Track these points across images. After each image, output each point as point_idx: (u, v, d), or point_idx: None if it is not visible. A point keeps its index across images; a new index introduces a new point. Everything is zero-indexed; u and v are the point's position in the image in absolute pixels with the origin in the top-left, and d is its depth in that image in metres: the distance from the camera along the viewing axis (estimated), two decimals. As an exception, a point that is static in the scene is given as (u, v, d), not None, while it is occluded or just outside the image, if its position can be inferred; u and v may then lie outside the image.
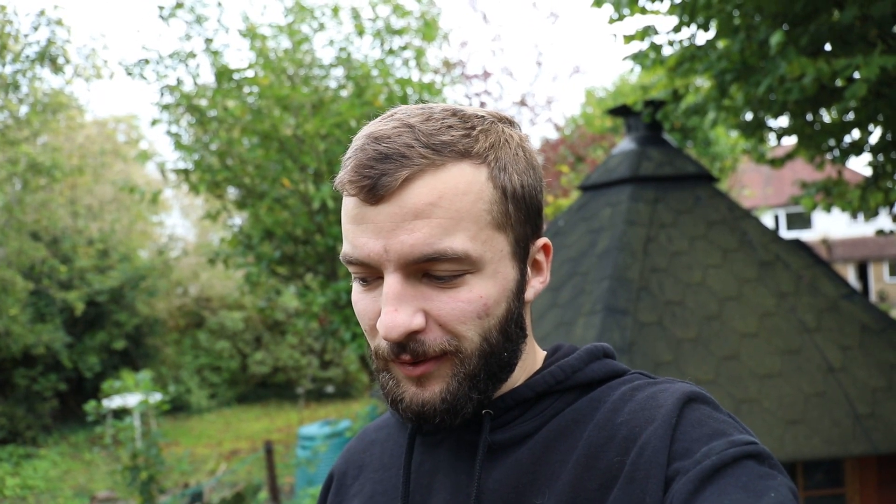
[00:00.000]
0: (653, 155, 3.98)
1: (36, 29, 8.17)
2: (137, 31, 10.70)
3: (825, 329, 3.19)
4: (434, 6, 6.34)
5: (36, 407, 11.92)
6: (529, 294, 0.62)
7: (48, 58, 8.14)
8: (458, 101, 8.25)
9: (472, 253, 0.55)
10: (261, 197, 5.71)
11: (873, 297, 20.56)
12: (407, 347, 0.55)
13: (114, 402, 7.66)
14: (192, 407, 13.27)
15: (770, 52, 2.76)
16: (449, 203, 0.54)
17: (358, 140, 0.56)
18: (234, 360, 14.30)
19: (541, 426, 0.60)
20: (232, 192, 6.23)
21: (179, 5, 5.57)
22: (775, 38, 2.54)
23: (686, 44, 3.46)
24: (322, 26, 5.89)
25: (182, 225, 17.12)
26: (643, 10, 3.29)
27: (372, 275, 0.57)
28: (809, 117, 3.57)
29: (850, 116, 3.39)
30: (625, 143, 4.20)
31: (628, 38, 3.45)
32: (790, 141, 3.84)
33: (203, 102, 5.71)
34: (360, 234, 0.55)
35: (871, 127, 3.42)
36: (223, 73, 5.49)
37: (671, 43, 3.49)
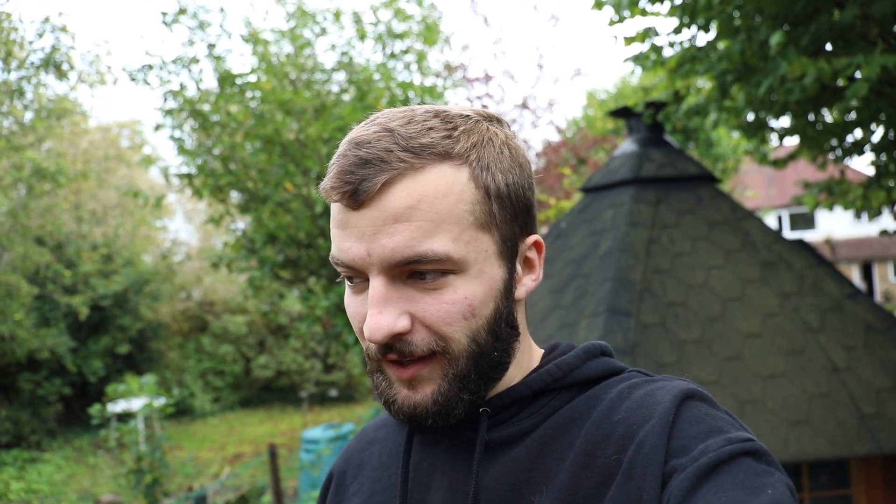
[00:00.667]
0: (654, 156, 3.98)
1: (41, 36, 8.22)
2: (141, 37, 10.74)
3: (829, 329, 3.18)
4: (435, 10, 6.36)
5: (40, 411, 11.95)
6: (521, 292, 0.62)
7: (53, 64, 8.18)
8: (459, 104, 8.27)
9: (454, 254, 0.55)
10: (264, 201, 5.73)
11: (878, 297, 20.49)
12: (393, 348, 0.56)
13: (118, 406, 7.68)
14: (196, 411, 13.29)
15: (771, 53, 2.76)
16: (429, 205, 0.54)
17: (341, 146, 0.57)
18: (238, 364, 14.32)
19: (538, 424, 0.60)
20: (235, 197, 6.25)
21: (182, 11, 5.60)
22: (775, 39, 2.54)
23: (687, 45, 3.46)
24: (324, 31, 5.91)
25: (185, 229, 17.18)
26: (643, 12, 3.30)
27: (359, 276, 0.58)
28: (811, 117, 3.57)
29: (852, 116, 3.39)
30: (626, 145, 4.20)
31: (629, 40, 3.46)
32: (792, 141, 3.83)
33: (206, 107, 5.73)
34: (344, 238, 0.56)
35: (872, 126, 3.42)
36: (226, 78, 5.51)
37: (672, 44, 3.49)
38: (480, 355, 0.57)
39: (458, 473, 0.61)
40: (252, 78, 5.57)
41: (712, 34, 3.31)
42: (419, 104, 5.55)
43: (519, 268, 0.62)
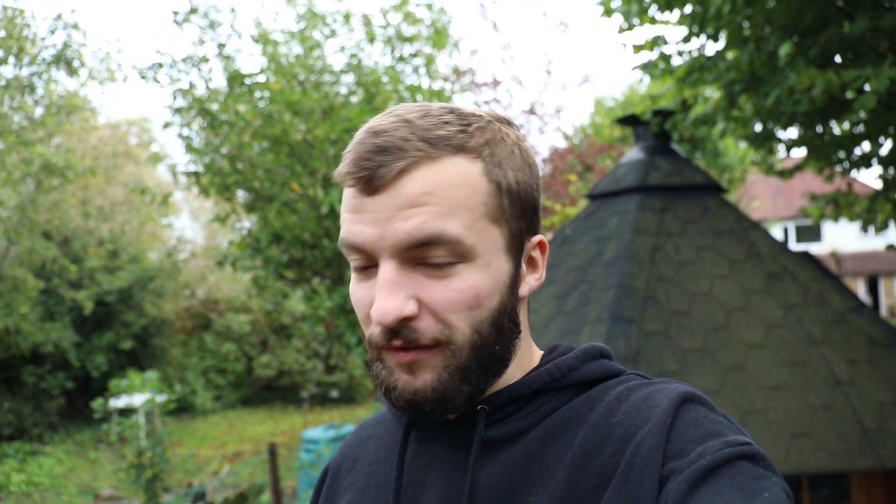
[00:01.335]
0: (661, 164, 3.98)
1: (52, 32, 8.29)
2: (151, 35, 10.81)
3: (833, 342, 3.17)
4: (445, 14, 6.38)
5: (43, 404, 11.99)
6: (524, 290, 0.62)
7: (64, 61, 8.25)
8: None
9: (466, 240, 0.56)
10: (270, 201, 5.75)
11: (884, 311, 20.37)
12: (399, 333, 0.56)
13: (120, 401, 7.70)
14: (197, 408, 13.31)
15: (779, 63, 2.76)
16: (444, 193, 0.55)
17: (358, 135, 0.58)
18: (240, 363, 14.35)
19: (535, 424, 0.61)
20: (241, 196, 6.28)
21: (193, 11, 5.63)
22: (784, 50, 2.54)
23: (695, 54, 3.47)
24: (333, 33, 5.93)
25: (191, 227, 17.24)
26: (653, 21, 3.30)
27: (368, 262, 0.58)
28: (819, 129, 3.56)
29: (860, 128, 3.38)
30: (633, 153, 4.20)
31: (638, 48, 3.47)
32: (800, 153, 3.83)
33: (215, 106, 5.76)
34: (357, 222, 0.57)
35: (881, 139, 3.41)
36: (235, 78, 5.54)
37: (681, 53, 3.50)
38: (482, 347, 0.58)
39: (453, 471, 0.61)
40: (261, 78, 5.60)
41: (721, 44, 3.32)
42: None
43: (524, 265, 0.63)
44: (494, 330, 0.58)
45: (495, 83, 8.74)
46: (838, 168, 3.82)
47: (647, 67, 3.56)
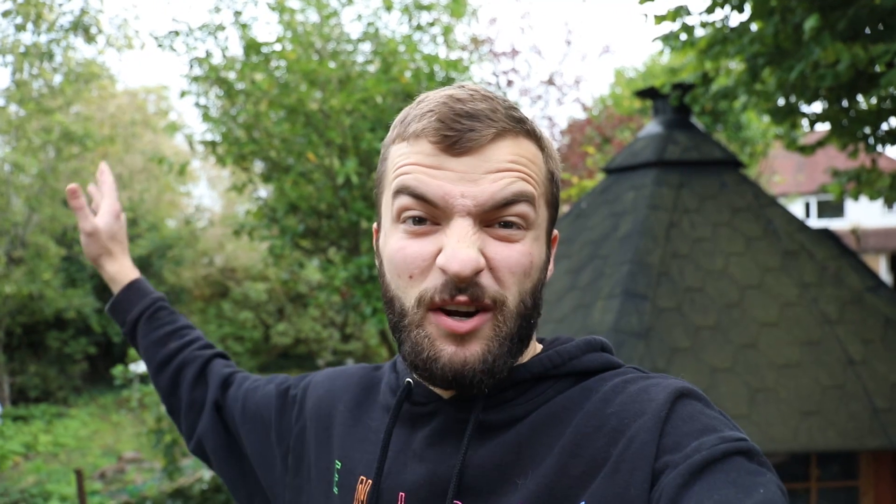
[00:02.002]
0: (679, 139, 3.92)
1: (69, -2, 8.25)
2: (168, 2, 10.73)
3: (847, 321, 3.14)
4: (463, -19, 6.24)
5: (67, 368, 12.33)
6: (547, 274, 0.66)
7: (81, 27, 8.24)
8: (484, 79, 8.17)
9: (538, 207, 0.61)
10: (286, 171, 5.76)
11: (905, 289, 20.03)
12: (466, 290, 0.57)
13: (140, 367, 7.89)
14: (216, 375, 13.58)
15: (804, 37, 2.68)
16: (525, 165, 0.60)
17: (434, 100, 0.60)
18: (257, 331, 14.57)
19: (531, 410, 0.62)
20: (258, 165, 6.29)
21: (209, -23, 5.58)
22: (810, 23, 2.47)
23: (719, 25, 3.37)
24: (350, 1, 5.86)
25: (209, 196, 17.37)
26: (675, -10, 3.21)
27: (429, 217, 0.59)
28: (844, 104, 3.47)
29: (888, 104, 3.29)
30: (651, 127, 4.14)
31: (659, 19, 3.38)
32: (823, 127, 3.74)
33: (231, 75, 5.74)
34: (433, 177, 0.58)
35: (908, 115, 3.32)
36: (251, 47, 5.51)
37: (703, 24, 3.40)
38: (524, 318, 0.60)
39: (446, 448, 0.63)
40: (277, 47, 5.56)
41: (746, 15, 3.22)
42: (444, 78, 5.43)
43: (551, 252, 0.68)
44: (532, 301, 0.61)
45: (514, 53, 8.59)
46: (862, 144, 3.73)
47: (667, 39, 3.47)
